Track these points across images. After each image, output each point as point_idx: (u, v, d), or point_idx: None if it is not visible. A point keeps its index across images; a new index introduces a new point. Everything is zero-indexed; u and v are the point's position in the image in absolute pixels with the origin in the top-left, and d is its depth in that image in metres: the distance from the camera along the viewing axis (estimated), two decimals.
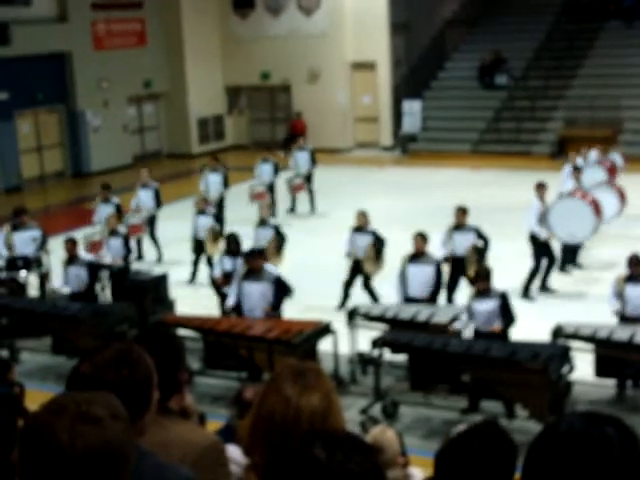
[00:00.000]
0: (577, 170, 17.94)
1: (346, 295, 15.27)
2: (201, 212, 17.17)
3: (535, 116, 29.57)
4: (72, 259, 14.34)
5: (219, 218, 18.58)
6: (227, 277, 14.11)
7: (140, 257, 18.47)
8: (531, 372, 10.21)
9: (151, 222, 18.88)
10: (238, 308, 12.84)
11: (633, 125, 28.00)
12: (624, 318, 11.88)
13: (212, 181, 20.36)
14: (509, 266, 15.88)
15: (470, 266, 14.28)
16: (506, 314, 11.59)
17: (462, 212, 15.02)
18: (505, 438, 2.92)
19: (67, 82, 29.22)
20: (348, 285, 15.28)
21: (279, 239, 15.78)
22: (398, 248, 14.20)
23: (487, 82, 31.32)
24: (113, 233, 15.91)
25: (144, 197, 18.97)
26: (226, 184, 20.46)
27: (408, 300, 13.12)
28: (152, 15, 31.55)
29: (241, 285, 12.72)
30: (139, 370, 2.87)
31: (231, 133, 34.49)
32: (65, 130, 29.48)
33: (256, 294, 12.56)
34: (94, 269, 14.52)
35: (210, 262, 16.54)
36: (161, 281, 15.11)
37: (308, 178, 22.55)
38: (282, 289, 12.66)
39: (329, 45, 31.62)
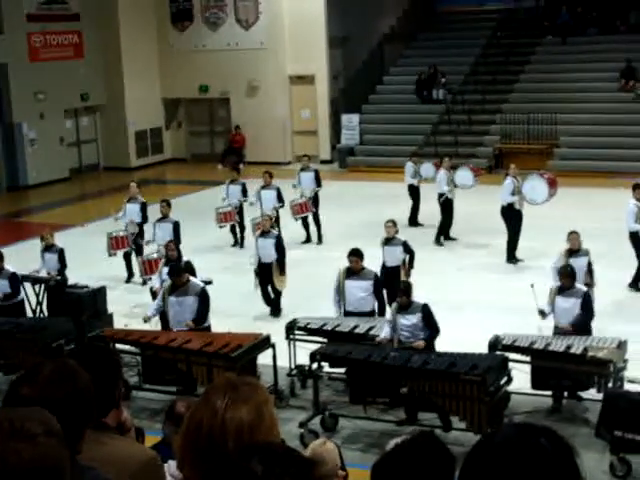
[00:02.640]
0: None
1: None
2: (264, 234, 16.11)
3: (472, 130, 29.87)
4: None
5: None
6: None
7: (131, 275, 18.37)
8: (469, 383, 10.28)
9: (136, 238, 18.41)
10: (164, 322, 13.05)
11: (568, 139, 28.41)
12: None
13: (265, 198, 20.13)
14: (457, 279, 15.98)
15: None
16: (430, 326, 11.64)
17: None
18: (442, 450, 2.92)
19: (2, 94, 28.85)
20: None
21: (409, 255, 15.03)
22: (335, 262, 14.13)
23: (425, 96, 31.56)
24: (48, 247, 15.75)
25: (130, 211, 18.58)
26: (280, 199, 20.13)
27: (348, 315, 13.02)
28: (89, 27, 31.28)
29: (167, 299, 12.78)
30: (81, 383, 2.86)
31: (169, 146, 34.30)
32: (0, 143, 29.09)
33: (182, 308, 12.63)
34: (16, 281, 14.28)
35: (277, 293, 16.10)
36: (98, 295, 14.95)
37: (315, 200, 21.25)
38: (206, 302, 12.70)
39: (268, 58, 31.62)
